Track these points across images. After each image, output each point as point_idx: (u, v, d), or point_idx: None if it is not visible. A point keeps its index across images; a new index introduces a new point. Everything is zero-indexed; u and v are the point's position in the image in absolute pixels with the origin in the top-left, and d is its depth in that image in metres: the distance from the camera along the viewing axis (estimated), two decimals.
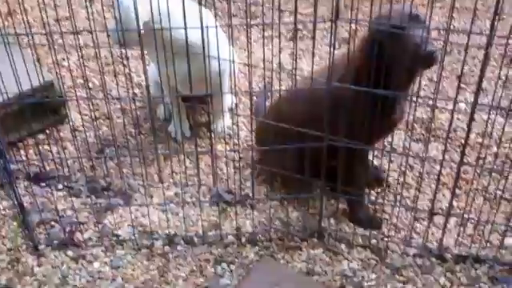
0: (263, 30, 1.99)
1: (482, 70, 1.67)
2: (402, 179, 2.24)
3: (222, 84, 2.32)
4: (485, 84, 2.40)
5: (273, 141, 2.13)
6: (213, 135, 2.61)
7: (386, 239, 2.13)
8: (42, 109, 2.35)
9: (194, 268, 2.05)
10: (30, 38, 1.95)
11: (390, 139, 2.31)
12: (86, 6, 2.02)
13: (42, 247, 2.12)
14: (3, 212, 2.28)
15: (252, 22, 3.34)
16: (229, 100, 2.78)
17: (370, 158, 2.40)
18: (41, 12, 1.92)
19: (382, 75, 1.80)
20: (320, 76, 1.97)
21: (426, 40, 1.77)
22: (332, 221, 2.21)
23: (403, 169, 2.38)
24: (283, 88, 2.56)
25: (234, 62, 2.29)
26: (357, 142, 1.91)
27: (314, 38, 1.83)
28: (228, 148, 2.57)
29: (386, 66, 1.81)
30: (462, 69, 1.73)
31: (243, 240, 2.16)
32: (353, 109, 1.90)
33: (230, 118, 2.77)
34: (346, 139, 1.91)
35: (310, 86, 1.93)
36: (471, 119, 1.79)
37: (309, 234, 2.17)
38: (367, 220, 2.21)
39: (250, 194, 2.31)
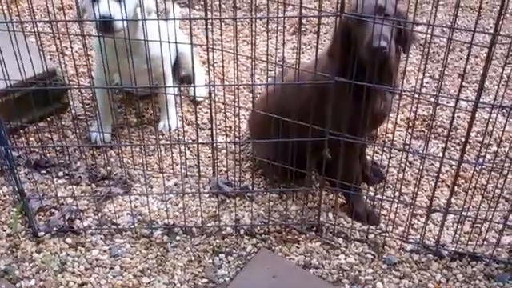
0: (267, 24, 2.00)
1: (485, 69, 1.68)
2: (401, 175, 2.25)
3: (164, 74, 2.37)
4: (487, 83, 2.40)
5: (261, 132, 2.14)
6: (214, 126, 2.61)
7: (383, 234, 2.14)
8: (43, 96, 2.35)
9: (192, 258, 2.06)
10: (34, 25, 1.95)
11: (390, 135, 2.32)
12: None
13: (41, 234, 2.13)
14: (3, 198, 2.29)
15: (256, 16, 3.36)
16: (173, 96, 2.66)
17: (371, 153, 2.41)
18: (46, 1, 1.93)
19: (353, 65, 1.79)
20: (308, 68, 1.98)
21: (380, 34, 1.76)
22: (330, 215, 2.22)
23: (403, 165, 2.39)
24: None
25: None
26: (341, 134, 1.91)
27: (318, 32, 1.83)
28: (228, 140, 2.58)
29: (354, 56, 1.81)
30: (465, 67, 1.74)
31: (241, 232, 2.17)
32: (334, 99, 1.89)
33: (176, 113, 2.72)
34: (332, 130, 1.91)
35: (296, 78, 1.93)
36: (472, 117, 1.79)
37: (307, 228, 2.18)
38: (365, 215, 2.22)
39: (250, 187, 2.32)
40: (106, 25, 2.11)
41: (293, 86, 2.02)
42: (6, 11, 1.96)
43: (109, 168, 2.43)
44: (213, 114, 2.24)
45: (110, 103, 2.51)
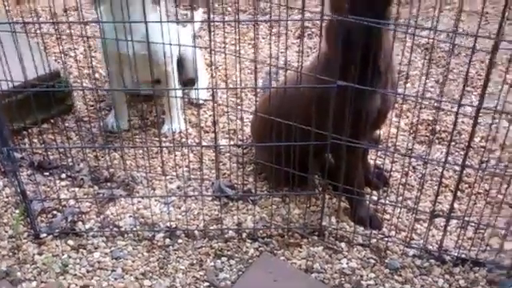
0: (271, 27, 2.00)
1: (487, 74, 1.67)
2: (404, 180, 2.24)
3: (166, 72, 2.38)
4: (493, 88, 2.39)
5: (262, 135, 2.13)
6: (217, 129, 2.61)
7: (386, 239, 2.13)
8: (47, 98, 2.36)
9: (194, 261, 2.06)
10: (38, 27, 1.96)
11: (393, 140, 2.32)
12: None
13: (43, 235, 2.13)
14: (6, 199, 2.29)
15: (260, 19, 3.36)
16: (178, 98, 2.69)
17: (373, 157, 2.41)
18: (52, 2, 1.93)
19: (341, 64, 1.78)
20: (309, 71, 1.98)
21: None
22: (333, 219, 2.22)
23: (406, 170, 2.38)
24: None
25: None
26: (341, 137, 1.90)
27: (320, 35, 1.83)
28: (232, 143, 2.58)
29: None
30: (468, 72, 1.73)
31: (244, 235, 2.16)
32: (333, 102, 1.88)
33: (180, 116, 2.71)
34: (333, 133, 1.90)
35: (296, 81, 1.92)
36: (475, 123, 1.78)
37: (309, 232, 2.17)
38: (368, 219, 2.21)
39: (253, 190, 2.31)
40: None
41: (293, 89, 2.02)
42: (9, 12, 1.97)
43: (111, 170, 2.43)
44: (216, 117, 2.25)
45: (124, 96, 2.58)
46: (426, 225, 2.17)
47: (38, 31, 1.98)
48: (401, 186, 2.30)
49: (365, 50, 1.79)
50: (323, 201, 2.13)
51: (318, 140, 1.91)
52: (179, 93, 2.71)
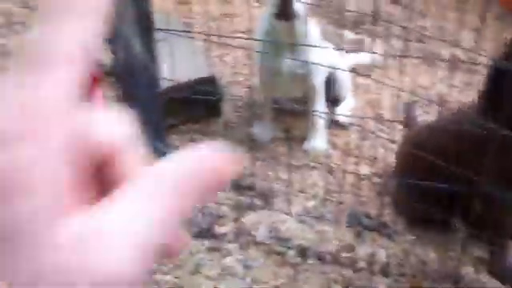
0: (424, 57, 1.95)
1: None
2: None
3: (314, 89, 2.37)
4: None
5: (405, 171, 2.07)
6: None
7: None
8: (199, 100, 2.46)
9: (322, 285, 2.06)
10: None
11: None
12: None
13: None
14: None
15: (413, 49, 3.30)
16: (322, 117, 2.67)
17: None
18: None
19: None
20: (465, 111, 1.90)
21: None
22: (470, 268, 2.12)
23: None
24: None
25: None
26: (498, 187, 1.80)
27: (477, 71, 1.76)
28: (373, 170, 2.54)
29: None
30: None
31: (376, 268, 2.12)
32: (501, 147, 1.78)
33: (324, 135, 2.70)
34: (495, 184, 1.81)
35: (456, 118, 1.86)
36: None
37: (444, 278, 2.10)
38: (507, 275, 2.09)
39: (389, 224, 2.27)
40: (286, 6, 2.15)
41: (448, 128, 1.95)
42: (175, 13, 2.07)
43: (252, 178, 2.49)
44: (359, 142, 2.24)
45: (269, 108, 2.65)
46: None
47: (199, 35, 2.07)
48: None
49: None
50: (462, 249, 2.05)
51: (469, 184, 1.84)
52: (323, 111, 2.71)
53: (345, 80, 2.78)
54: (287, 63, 2.32)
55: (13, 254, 0.25)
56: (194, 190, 0.29)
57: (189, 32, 2.61)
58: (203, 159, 0.29)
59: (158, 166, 0.29)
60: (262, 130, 2.70)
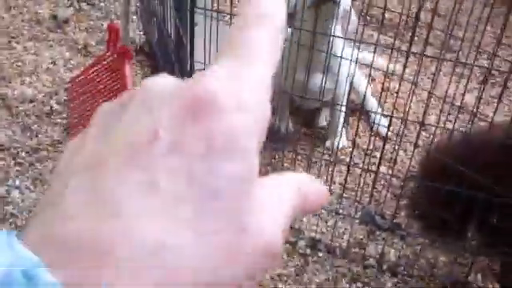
0: (454, 66, 1.95)
1: None
2: None
3: (338, 88, 2.38)
4: None
5: (429, 177, 2.08)
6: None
7: None
8: None
9: (330, 278, 2.08)
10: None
11: None
12: None
13: None
14: None
15: (445, 57, 3.28)
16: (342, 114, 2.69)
17: None
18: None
19: None
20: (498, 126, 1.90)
21: None
22: (479, 276, 2.12)
23: None
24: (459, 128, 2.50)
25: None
26: None
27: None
28: (391, 172, 2.54)
29: None
30: None
31: (384, 267, 2.14)
32: None
33: (344, 133, 2.72)
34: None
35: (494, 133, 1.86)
36: None
37: (453, 283, 2.10)
38: None
39: (402, 225, 2.28)
40: None
41: (478, 141, 1.96)
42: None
43: (269, 168, 2.51)
44: (380, 143, 2.24)
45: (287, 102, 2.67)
46: None
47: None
48: None
49: None
50: (474, 257, 2.05)
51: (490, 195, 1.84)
52: (344, 109, 2.72)
53: (363, 84, 2.77)
54: (316, 84, 2.33)
55: (218, 214, 0.25)
56: (299, 204, 0.30)
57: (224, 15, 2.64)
58: (305, 182, 0.31)
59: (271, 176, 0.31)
60: (282, 123, 2.71)
